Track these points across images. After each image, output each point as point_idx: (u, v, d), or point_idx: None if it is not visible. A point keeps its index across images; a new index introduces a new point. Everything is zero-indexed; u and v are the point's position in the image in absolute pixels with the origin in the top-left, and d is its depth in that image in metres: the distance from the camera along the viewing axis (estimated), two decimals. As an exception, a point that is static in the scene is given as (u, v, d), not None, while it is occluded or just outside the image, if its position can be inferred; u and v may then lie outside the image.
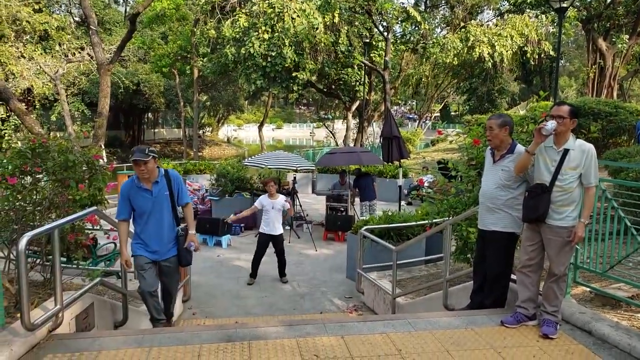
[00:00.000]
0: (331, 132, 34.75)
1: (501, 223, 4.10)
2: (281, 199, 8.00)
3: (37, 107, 24.48)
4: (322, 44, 18.32)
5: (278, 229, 7.97)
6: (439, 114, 54.01)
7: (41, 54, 22.33)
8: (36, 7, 25.06)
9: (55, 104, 24.72)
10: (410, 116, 53.21)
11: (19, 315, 3.76)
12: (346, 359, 3.25)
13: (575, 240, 3.61)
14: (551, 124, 3.55)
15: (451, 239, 5.52)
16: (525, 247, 3.89)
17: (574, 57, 43.83)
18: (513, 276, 4.35)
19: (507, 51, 19.86)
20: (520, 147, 4.12)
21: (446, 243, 5.31)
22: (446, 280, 5.16)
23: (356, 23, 20.31)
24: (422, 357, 3.29)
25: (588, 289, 4.39)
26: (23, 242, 3.04)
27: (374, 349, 3.40)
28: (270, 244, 8.05)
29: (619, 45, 21.89)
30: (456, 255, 5.98)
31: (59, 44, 23.58)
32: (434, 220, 6.73)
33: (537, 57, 20.96)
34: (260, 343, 3.47)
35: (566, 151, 3.62)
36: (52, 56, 22.73)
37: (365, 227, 7.40)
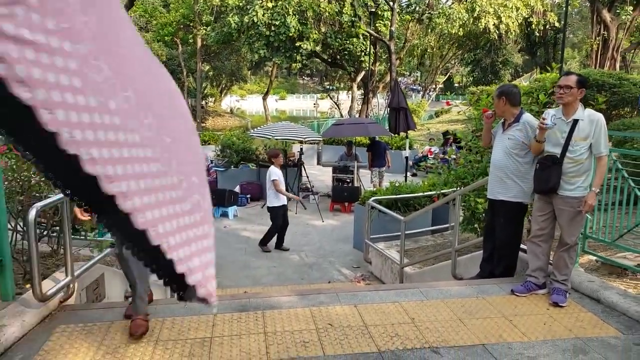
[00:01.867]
0: (336, 103, 34.49)
1: (510, 193, 4.09)
2: None
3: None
4: (327, 13, 17.98)
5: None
6: (442, 86, 53.45)
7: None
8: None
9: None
10: (415, 87, 52.65)
11: (27, 286, 3.79)
12: (360, 327, 3.27)
13: (586, 208, 3.58)
14: (551, 119, 3.53)
15: (459, 209, 5.51)
16: (536, 217, 3.87)
17: (577, 28, 43.04)
18: (522, 245, 4.36)
19: (512, 22, 19.51)
20: (526, 116, 4.09)
21: (456, 213, 5.29)
22: (455, 249, 5.17)
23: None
24: (435, 325, 3.31)
25: (594, 258, 4.41)
26: (33, 213, 3.02)
27: (387, 318, 3.42)
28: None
29: (623, 17, 21.47)
30: (464, 225, 5.98)
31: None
32: (443, 191, 6.71)
33: (542, 28, 20.61)
34: (274, 312, 3.49)
35: (575, 122, 3.57)
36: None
37: (373, 198, 7.39)
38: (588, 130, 3.54)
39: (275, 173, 7.89)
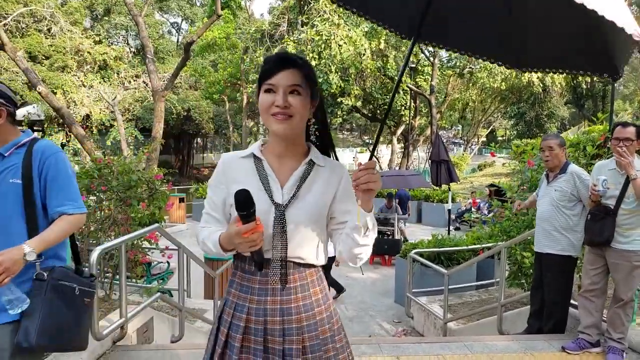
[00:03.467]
0: (376, 156, 34.75)
1: (558, 246, 4.01)
2: None
3: (94, 132, 25.81)
4: (369, 70, 18.53)
5: None
6: (485, 139, 53.14)
7: (100, 82, 23.64)
8: (96, 39, 26.68)
9: (110, 129, 25.96)
10: (456, 141, 52.53)
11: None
12: (403, 379, 3.23)
13: None
14: (602, 185, 3.49)
15: (505, 263, 5.41)
16: (587, 271, 3.77)
17: (628, 80, 42.32)
18: (572, 301, 4.23)
19: (558, 75, 19.45)
20: (572, 167, 4.06)
21: (502, 266, 5.19)
22: (501, 304, 5.03)
23: (403, 48, 20.47)
24: (481, 381, 3.23)
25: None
26: (95, 255, 3.20)
27: (431, 370, 3.36)
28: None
29: (678, 67, 21.08)
30: (510, 280, 5.85)
31: (117, 73, 24.91)
32: (487, 244, 6.61)
33: (589, 80, 20.44)
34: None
35: None
36: (110, 84, 24.00)
37: (415, 251, 7.33)
38: None
39: None
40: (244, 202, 1.34)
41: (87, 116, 24.37)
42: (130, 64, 28.98)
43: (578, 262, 4.21)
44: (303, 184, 1.54)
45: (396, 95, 21.99)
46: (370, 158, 1.69)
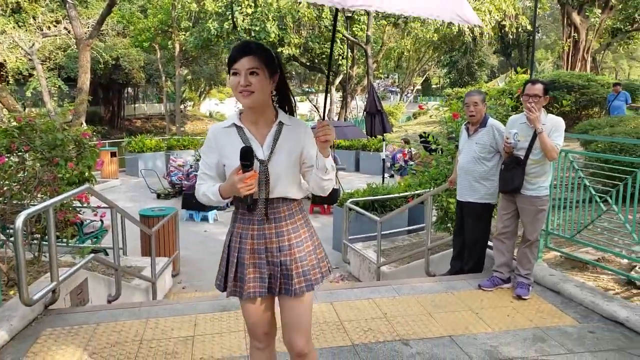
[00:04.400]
0: (315, 106, 34.67)
1: (477, 194, 4.32)
2: None
3: (10, 82, 23.95)
4: (306, 18, 18.19)
5: None
6: (420, 87, 54.15)
7: (14, 27, 21.73)
8: (7, -22, 24.29)
9: (30, 79, 24.20)
10: (393, 89, 53.21)
11: (12, 293, 3.89)
12: (335, 323, 3.46)
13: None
14: (513, 138, 3.77)
15: (432, 209, 5.74)
16: (500, 215, 4.12)
17: (550, 30, 44.04)
18: (490, 243, 4.61)
19: (486, 25, 19.94)
20: (491, 120, 4.31)
21: (428, 213, 5.52)
22: (428, 248, 5.39)
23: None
24: (405, 320, 3.52)
25: (559, 254, 4.67)
26: (20, 220, 3.12)
27: (361, 314, 3.62)
28: None
29: (592, 19, 22.16)
30: (437, 224, 6.24)
31: (33, 17, 22.95)
32: (416, 192, 6.95)
33: (515, 30, 21.14)
34: (252, 311, 3.65)
35: None
36: (26, 30, 22.14)
37: (350, 200, 7.59)
38: (550, 134, 3.74)
39: None
40: (247, 155, 1.84)
41: (1, 65, 22.53)
42: (48, 7, 26.72)
43: (495, 207, 4.56)
44: (277, 142, 2.01)
45: (333, 45, 21.79)
46: (323, 118, 2.36)
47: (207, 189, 2.01)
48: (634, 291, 3.89)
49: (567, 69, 21.83)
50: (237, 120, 2.04)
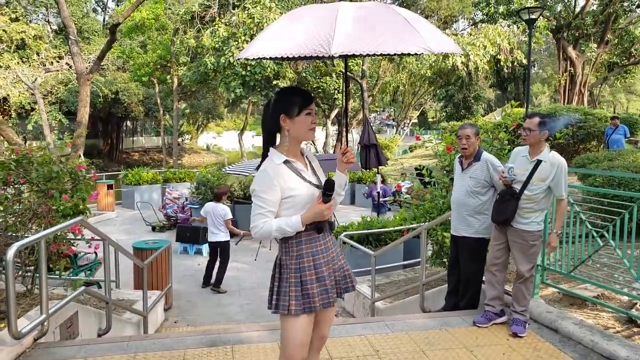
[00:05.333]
0: (313, 142, 34.94)
1: (472, 229, 4.30)
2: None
3: (12, 116, 24.15)
4: (302, 53, 18.50)
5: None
6: (416, 121, 54.77)
7: (18, 63, 22.08)
8: (13, 15, 24.80)
9: (31, 113, 24.42)
10: (389, 123, 53.78)
11: (2, 325, 3.82)
12: (326, 360, 3.40)
13: (550, 250, 3.88)
14: (508, 172, 3.83)
15: (427, 243, 5.71)
16: (492, 246, 4.10)
17: (546, 64, 44.97)
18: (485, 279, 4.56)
19: (480, 60, 20.34)
20: (485, 155, 4.32)
21: (422, 247, 5.49)
22: (422, 283, 5.34)
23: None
24: (398, 357, 3.46)
25: (557, 290, 4.62)
26: (11, 252, 3.10)
27: (352, 350, 3.56)
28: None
29: (588, 54, 22.64)
30: (433, 259, 6.20)
31: (37, 53, 23.35)
32: (411, 226, 6.94)
33: (510, 65, 21.54)
34: (243, 347, 3.60)
35: (538, 162, 3.80)
36: (30, 65, 22.49)
37: (345, 233, 7.56)
38: (548, 172, 3.75)
39: (229, 212, 8.10)
40: (332, 186, 2.23)
41: (5, 99, 22.76)
42: (51, 43, 27.20)
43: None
44: (314, 170, 2.43)
45: (329, 79, 22.16)
46: (344, 144, 2.87)
47: (283, 223, 2.23)
48: (635, 329, 3.79)
49: (564, 103, 22.17)
50: (284, 157, 2.31)
